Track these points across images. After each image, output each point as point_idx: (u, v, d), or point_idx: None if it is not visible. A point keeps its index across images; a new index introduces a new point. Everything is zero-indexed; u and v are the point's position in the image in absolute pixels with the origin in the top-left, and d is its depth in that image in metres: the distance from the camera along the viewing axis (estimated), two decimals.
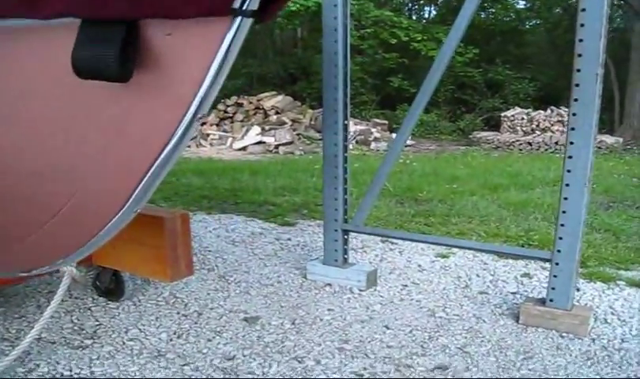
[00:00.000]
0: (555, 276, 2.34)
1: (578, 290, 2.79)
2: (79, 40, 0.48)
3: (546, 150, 10.59)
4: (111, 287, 2.67)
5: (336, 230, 2.98)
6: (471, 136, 12.62)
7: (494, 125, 13.64)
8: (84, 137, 0.59)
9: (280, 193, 5.58)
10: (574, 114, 2.23)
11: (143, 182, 0.58)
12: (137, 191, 0.59)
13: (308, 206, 4.97)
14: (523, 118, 11.68)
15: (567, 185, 2.28)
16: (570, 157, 2.26)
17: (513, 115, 11.94)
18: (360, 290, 2.86)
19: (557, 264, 2.33)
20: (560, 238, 2.33)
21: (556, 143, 10.52)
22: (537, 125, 11.45)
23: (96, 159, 0.60)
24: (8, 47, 0.54)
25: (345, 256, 3.05)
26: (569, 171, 2.27)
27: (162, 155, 0.56)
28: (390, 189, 5.40)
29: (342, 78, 2.84)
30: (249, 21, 0.49)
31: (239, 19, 0.49)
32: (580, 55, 2.18)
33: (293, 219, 4.49)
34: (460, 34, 2.65)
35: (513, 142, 11.05)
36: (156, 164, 0.57)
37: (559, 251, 2.33)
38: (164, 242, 2.30)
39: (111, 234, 0.66)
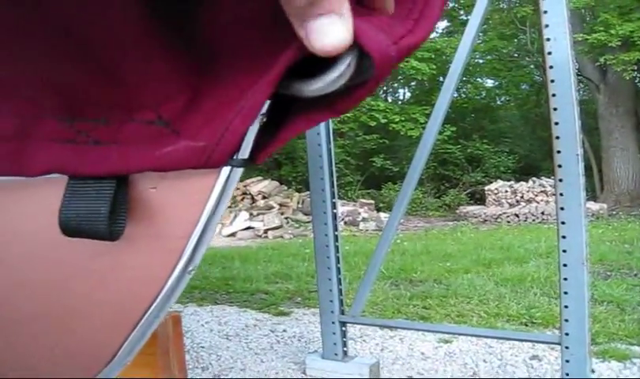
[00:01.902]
0: (567, 361, 2.25)
1: (593, 371, 2.67)
2: (66, 197, 0.45)
3: (533, 221, 10.67)
4: None
5: (333, 323, 2.88)
6: (457, 210, 12.73)
7: (479, 198, 13.84)
8: (68, 290, 0.55)
9: (273, 280, 5.46)
10: (561, 194, 2.24)
11: (132, 334, 0.54)
12: (125, 344, 0.55)
13: (302, 293, 4.85)
14: (507, 191, 11.87)
15: (565, 265, 2.24)
16: (564, 237, 2.24)
17: (496, 188, 12.14)
18: None
19: (567, 347, 2.25)
20: (566, 320, 2.26)
21: (542, 213, 10.63)
22: (522, 197, 11.61)
23: (81, 312, 0.56)
24: None
25: (345, 348, 2.92)
26: (565, 251, 2.24)
27: (151, 308, 0.52)
28: (383, 271, 5.32)
29: (327, 167, 2.86)
30: (239, 171, 0.47)
31: (227, 169, 0.46)
32: (558, 137, 2.22)
33: (287, 308, 4.36)
34: (440, 116, 2.73)
35: (500, 215, 11.14)
36: (145, 317, 0.52)
37: (567, 334, 2.25)
38: (155, 347, 2.18)
39: None
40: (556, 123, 2.23)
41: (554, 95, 2.23)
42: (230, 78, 0.42)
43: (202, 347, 3.42)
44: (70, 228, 0.46)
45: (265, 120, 0.44)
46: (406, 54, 0.41)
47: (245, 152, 0.44)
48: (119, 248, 0.48)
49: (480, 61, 17.27)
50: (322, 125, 2.81)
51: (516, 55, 17.54)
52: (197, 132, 0.42)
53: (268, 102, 0.43)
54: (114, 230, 0.46)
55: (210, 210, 0.47)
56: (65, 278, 0.54)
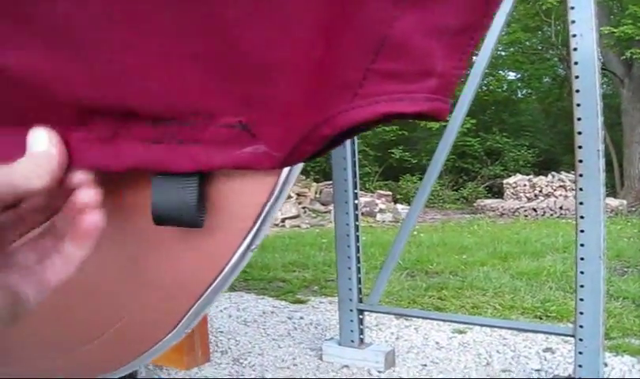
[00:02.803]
0: (580, 353, 2.29)
1: (606, 365, 2.71)
2: (156, 190, 0.52)
3: (551, 215, 10.60)
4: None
5: (351, 310, 2.95)
6: (475, 204, 12.68)
7: (497, 192, 13.76)
8: (143, 267, 0.62)
9: (290, 268, 5.55)
10: (580, 189, 2.27)
11: (197, 304, 0.61)
12: (189, 313, 0.62)
13: (319, 282, 4.93)
14: (525, 185, 11.78)
15: (582, 259, 2.28)
16: (582, 231, 2.27)
17: (515, 182, 12.06)
18: (379, 372, 2.78)
19: (581, 340, 2.29)
20: (581, 313, 2.29)
21: (560, 208, 10.55)
22: (540, 191, 11.52)
23: (152, 284, 0.63)
24: None
25: (361, 336, 2.99)
26: (582, 245, 2.27)
27: (216, 281, 0.59)
28: (400, 261, 5.36)
29: (350, 157, 2.91)
30: (299, 167, 0.54)
31: (286, 169, 0.53)
32: (580, 133, 2.25)
33: (304, 297, 4.44)
34: (465, 108, 2.76)
35: (517, 209, 11.08)
36: (207, 291, 0.60)
37: (581, 326, 2.29)
38: None
39: (158, 353, 0.68)
40: (579, 119, 2.25)
41: (578, 91, 2.25)
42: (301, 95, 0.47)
43: (221, 332, 3.52)
44: (162, 218, 0.53)
45: None
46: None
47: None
48: (194, 231, 0.55)
49: (503, 53, 17.08)
50: None
51: (539, 48, 17.32)
52: (271, 138, 0.49)
53: None
54: (200, 219, 0.53)
55: (273, 199, 0.55)
56: (141, 256, 0.61)
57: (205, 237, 0.57)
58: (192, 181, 0.51)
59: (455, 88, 0.43)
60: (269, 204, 0.55)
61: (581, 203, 2.27)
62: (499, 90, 18.11)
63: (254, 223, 0.56)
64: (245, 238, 0.56)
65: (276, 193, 0.55)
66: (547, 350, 3.01)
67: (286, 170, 0.54)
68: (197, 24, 0.45)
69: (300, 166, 0.56)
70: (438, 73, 0.41)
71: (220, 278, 0.59)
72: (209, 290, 0.60)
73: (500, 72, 17.95)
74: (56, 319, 0.67)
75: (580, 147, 2.26)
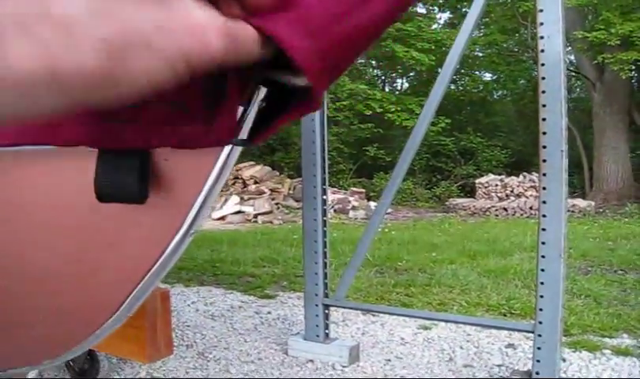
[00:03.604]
0: (538, 348, 2.33)
1: (564, 360, 2.77)
2: (100, 168, 0.52)
3: (521, 215, 10.79)
4: (85, 366, 2.55)
5: (317, 305, 2.95)
6: (447, 203, 12.82)
7: (469, 191, 13.93)
8: (83, 249, 0.62)
9: (260, 264, 5.53)
10: (544, 188, 2.31)
11: (136, 290, 0.61)
12: (129, 299, 0.62)
13: (288, 277, 4.92)
14: (497, 185, 11.97)
15: (543, 257, 2.32)
16: (544, 229, 2.31)
17: (487, 182, 12.24)
18: (343, 367, 2.79)
19: (540, 335, 2.33)
20: (541, 310, 2.34)
21: (530, 208, 10.74)
22: (511, 191, 11.72)
23: (91, 269, 0.63)
24: (23, 168, 0.59)
25: (327, 331, 2.99)
26: (544, 243, 2.31)
27: (155, 267, 0.59)
28: (370, 258, 5.39)
29: (320, 153, 2.90)
30: (239, 149, 0.55)
31: (228, 147, 0.54)
32: (545, 133, 2.29)
33: (273, 292, 4.43)
34: (434, 107, 2.78)
35: (488, 208, 11.25)
36: (148, 275, 0.60)
37: (540, 322, 2.33)
38: (143, 321, 2.23)
39: (98, 339, 0.68)
40: (544, 119, 2.29)
41: (544, 91, 2.29)
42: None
43: (187, 326, 3.49)
44: (105, 194, 0.53)
45: (264, 105, 0.51)
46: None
47: (244, 134, 0.51)
48: (133, 209, 0.55)
49: (480, 54, 17.27)
50: (317, 112, 2.86)
51: (516, 50, 17.56)
52: (206, 115, 0.49)
53: (266, 89, 0.49)
54: (142, 195, 0.53)
55: (212, 181, 0.55)
56: (82, 239, 0.60)
57: (147, 214, 0.56)
58: (134, 158, 0.51)
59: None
60: (206, 186, 0.55)
61: (544, 202, 2.31)
62: (475, 91, 18.33)
63: (194, 201, 0.56)
64: (186, 218, 0.56)
65: (213, 176, 0.55)
66: (509, 346, 3.06)
67: (226, 151, 0.54)
68: None
69: (239, 149, 0.56)
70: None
71: (160, 261, 0.59)
72: (150, 273, 0.59)
73: (476, 73, 18.17)
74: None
75: (544, 147, 2.30)
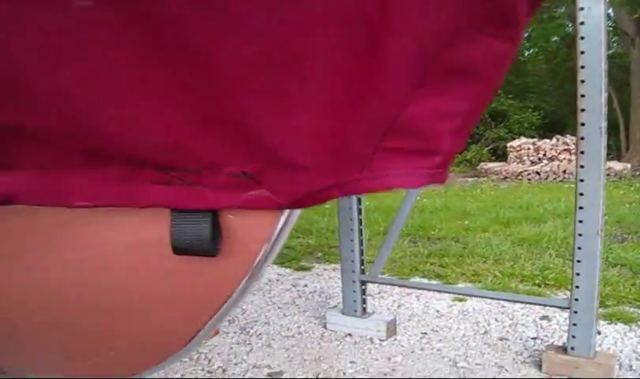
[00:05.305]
0: (574, 325, 2.37)
1: (599, 333, 2.80)
2: (175, 226, 0.59)
3: (554, 179, 10.62)
4: None
5: (354, 282, 3.03)
6: (478, 167, 12.69)
7: (500, 155, 13.73)
8: (156, 290, 0.70)
9: (294, 234, 5.63)
10: (581, 166, 2.29)
11: (206, 326, 0.69)
12: (199, 334, 0.71)
13: (322, 249, 5.02)
14: (529, 148, 11.75)
15: (580, 235, 2.33)
16: (581, 208, 2.31)
17: (519, 145, 12.02)
18: (381, 340, 2.89)
19: (575, 312, 2.36)
20: (577, 287, 2.36)
21: (564, 172, 10.56)
22: (544, 155, 11.50)
23: (165, 307, 0.71)
24: (102, 224, 0.66)
25: (364, 305, 3.08)
26: (580, 222, 2.32)
27: (223, 307, 0.67)
28: (403, 228, 5.43)
29: None
30: (298, 211, 0.62)
31: (287, 210, 0.61)
32: (583, 96, 2.24)
33: (308, 263, 4.53)
34: None
35: (521, 172, 11.09)
36: (214, 317, 0.68)
37: (576, 299, 2.36)
38: None
39: (167, 365, 0.77)
40: (582, 95, 2.25)
41: (583, 67, 2.23)
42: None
43: None
44: (181, 248, 0.60)
45: None
46: None
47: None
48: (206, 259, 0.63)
49: None
50: None
51: (547, 5, 16.90)
52: (276, 188, 0.55)
53: None
54: (216, 249, 0.61)
55: (275, 236, 0.61)
56: (156, 281, 0.68)
57: (216, 264, 0.63)
58: (205, 217, 0.58)
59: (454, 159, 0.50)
60: (271, 239, 0.61)
61: (582, 166, 2.28)
62: None
63: (257, 255, 0.62)
64: (250, 267, 0.63)
65: (277, 230, 0.61)
66: (543, 318, 3.11)
67: (286, 213, 0.60)
68: (208, 97, 0.50)
69: (297, 213, 0.63)
70: (444, 151, 0.46)
71: (226, 304, 0.66)
72: (219, 312, 0.67)
73: None
74: (95, 329, 0.75)
75: (583, 110, 2.24)
